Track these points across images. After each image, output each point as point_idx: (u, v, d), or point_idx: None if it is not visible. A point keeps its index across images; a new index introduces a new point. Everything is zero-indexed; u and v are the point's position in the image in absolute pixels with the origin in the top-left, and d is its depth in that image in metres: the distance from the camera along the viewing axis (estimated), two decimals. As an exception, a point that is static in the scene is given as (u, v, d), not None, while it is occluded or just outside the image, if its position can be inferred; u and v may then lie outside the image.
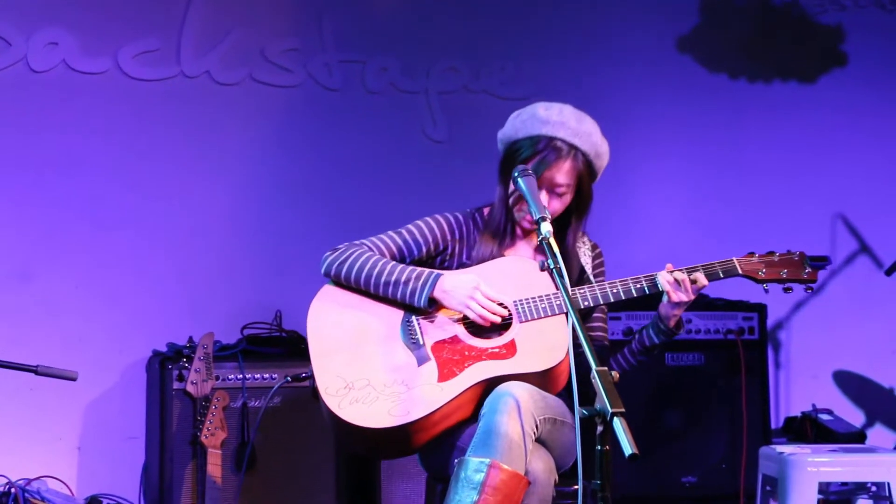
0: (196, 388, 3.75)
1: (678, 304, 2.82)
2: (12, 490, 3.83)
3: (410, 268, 2.85)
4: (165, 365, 3.86)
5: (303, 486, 3.88)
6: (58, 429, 4.17)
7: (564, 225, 2.94)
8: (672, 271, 2.83)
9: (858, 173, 4.88)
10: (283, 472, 3.88)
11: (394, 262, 2.87)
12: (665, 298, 2.82)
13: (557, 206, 2.89)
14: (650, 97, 4.74)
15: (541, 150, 2.84)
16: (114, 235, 4.26)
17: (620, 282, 2.85)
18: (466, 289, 2.79)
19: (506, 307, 2.83)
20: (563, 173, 2.85)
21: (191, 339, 3.86)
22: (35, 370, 3.25)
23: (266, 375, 3.93)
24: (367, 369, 2.78)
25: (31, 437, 4.11)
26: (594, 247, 3.05)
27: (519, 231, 2.96)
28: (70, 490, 4.05)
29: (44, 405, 4.10)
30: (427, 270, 2.84)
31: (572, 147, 2.85)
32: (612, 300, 2.84)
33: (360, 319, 2.86)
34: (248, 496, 3.79)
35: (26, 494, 3.84)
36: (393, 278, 2.83)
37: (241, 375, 3.89)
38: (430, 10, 4.58)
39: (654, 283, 2.83)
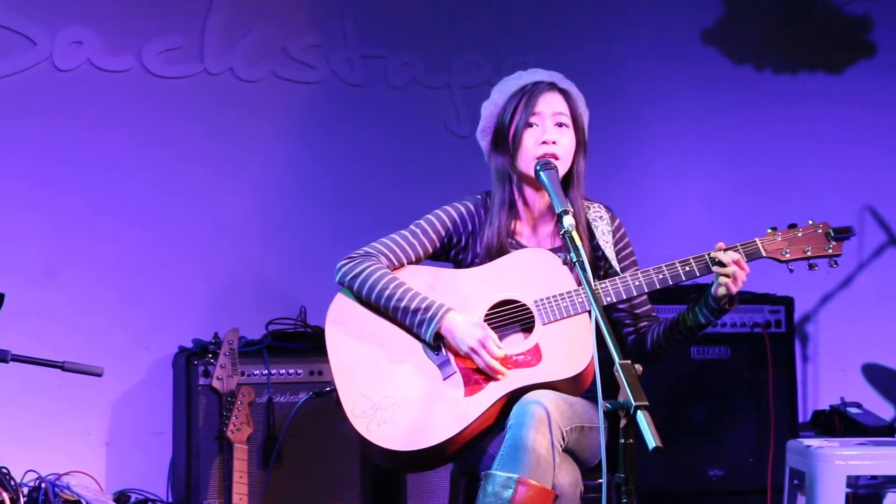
0: (222, 383, 3.76)
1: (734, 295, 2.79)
2: (42, 485, 3.87)
3: (421, 296, 2.81)
4: (191, 361, 3.88)
5: (328, 480, 3.89)
6: (86, 424, 4.20)
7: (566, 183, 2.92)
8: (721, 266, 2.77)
9: (887, 165, 4.83)
10: (309, 467, 3.89)
11: (406, 286, 2.83)
12: (721, 290, 2.77)
13: (564, 138, 2.87)
14: (674, 90, 4.72)
15: (527, 91, 2.90)
16: (139, 232, 4.28)
17: (643, 272, 2.82)
18: (472, 340, 2.75)
19: (527, 308, 2.81)
20: (554, 102, 2.90)
21: (216, 335, 3.88)
22: (62, 366, 3.28)
23: (291, 371, 3.94)
24: (391, 386, 2.77)
25: (60, 432, 4.14)
26: (613, 218, 2.98)
27: (523, 208, 2.93)
28: (99, 485, 4.07)
29: (72, 401, 4.13)
30: (437, 303, 2.79)
31: (551, 83, 2.93)
32: (636, 293, 2.82)
33: (378, 330, 2.84)
34: (274, 491, 3.81)
35: (56, 489, 3.87)
36: (402, 304, 2.80)
37: (266, 371, 3.91)
38: (451, 4, 4.57)
39: (677, 273, 2.81)
